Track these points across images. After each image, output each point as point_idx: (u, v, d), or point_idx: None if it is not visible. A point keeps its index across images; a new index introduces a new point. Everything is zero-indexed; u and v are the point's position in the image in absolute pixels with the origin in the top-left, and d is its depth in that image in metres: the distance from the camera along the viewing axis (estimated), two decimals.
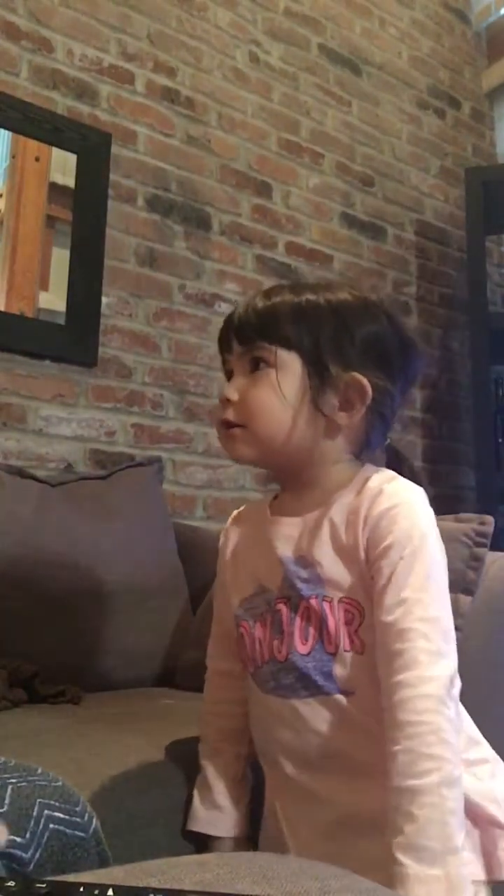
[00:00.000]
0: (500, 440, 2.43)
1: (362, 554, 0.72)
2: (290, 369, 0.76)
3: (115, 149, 1.91)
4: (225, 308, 2.08)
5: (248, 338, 0.77)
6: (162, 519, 1.60)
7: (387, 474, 0.78)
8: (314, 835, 0.74)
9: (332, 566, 0.74)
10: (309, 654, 0.74)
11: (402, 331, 0.81)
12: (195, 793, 0.84)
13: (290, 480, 0.82)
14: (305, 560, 0.76)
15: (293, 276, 2.24)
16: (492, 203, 2.47)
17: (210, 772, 0.84)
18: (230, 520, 0.91)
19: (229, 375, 0.81)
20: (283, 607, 0.76)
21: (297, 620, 0.75)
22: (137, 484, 1.59)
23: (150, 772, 0.86)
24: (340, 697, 0.72)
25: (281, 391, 0.75)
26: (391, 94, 2.64)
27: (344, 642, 0.72)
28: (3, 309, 1.69)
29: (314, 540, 0.76)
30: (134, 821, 0.79)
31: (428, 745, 0.64)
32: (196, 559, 1.59)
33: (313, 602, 0.74)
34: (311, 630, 0.74)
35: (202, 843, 0.82)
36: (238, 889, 0.35)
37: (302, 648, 0.74)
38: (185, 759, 0.90)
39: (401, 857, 0.60)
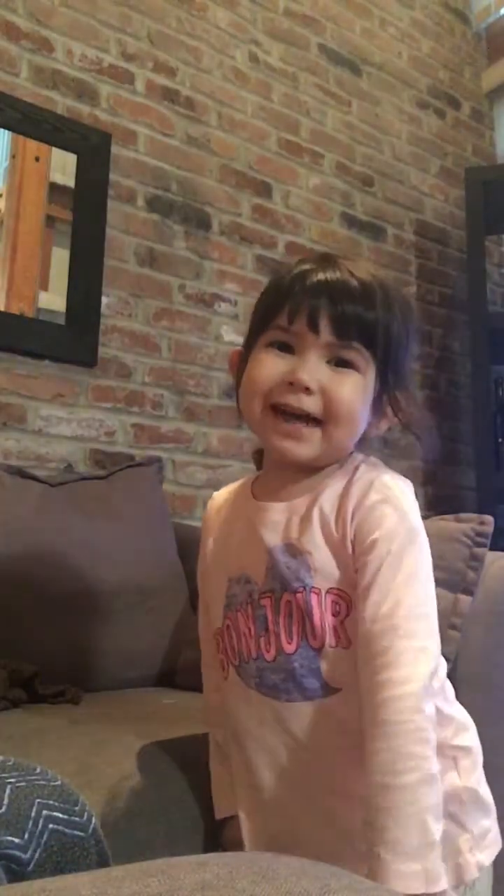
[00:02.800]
0: (500, 440, 2.43)
1: (349, 546, 0.71)
2: (371, 374, 0.74)
3: (115, 149, 1.91)
4: (225, 308, 2.08)
5: (347, 333, 0.72)
6: (162, 519, 1.60)
7: (376, 465, 0.76)
8: (274, 847, 0.73)
9: (322, 556, 0.72)
10: (295, 651, 0.72)
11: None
12: (217, 781, 0.84)
13: (294, 469, 0.77)
14: (294, 548, 0.74)
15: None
16: (492, 203, 2.47)
17: (227, 756, 0.83)
18: (211, 505, 0.89)
19: (284, 345, 0.74)
20: (267, 602, 0.74)
21: (281, 617, 0.73)
22: (137, 484, 1.59)
23: (150, 771, 0.86)
24: (326, 700, 0.71)
25: (366, 399, 0.73)
26: (391, 94, 2.64)
27: (329, 638, 0.71)
28: (3, 309, 1.69)
29: (304, 528, 0.74)
30: (134, 821, 0.79)
31: (407, 744, 0.63)
32: (196, 559, 1.59)
33: (299, 596, 0.72)
34: (295, 626, 0.72)
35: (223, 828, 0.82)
36: (238, 888, 0.35)
37: (288, 647, 0.72)
38: (185, 759, 0.90)
39: (380, 851, 0.61)
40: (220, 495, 0.88)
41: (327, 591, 0.71)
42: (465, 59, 2.96)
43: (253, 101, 2.24)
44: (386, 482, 0.73)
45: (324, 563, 0.72)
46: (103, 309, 1.84)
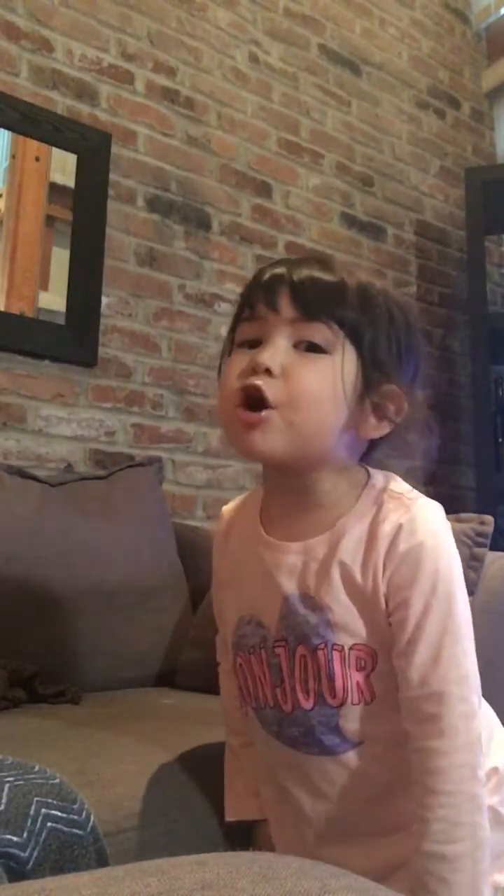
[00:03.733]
0: (500, 440, 2.43)
1: (382, 601, 0.65)
2: (350, 362, 0.66)
3: (114, 149, 1.91)
4: (225, 308, 2.08)
5: (311, 309, 0.65)
6: (162, 519, 1.60)
7: (402, 497, 0.68)
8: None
9: (344, 612, 0.67)
10: (312, 708, 0.68)
11: (420, 339, 0.73)
12: (229, 784, 0.84)
13: (286, 483, 0.71)
14: (314, 602, 0.68)
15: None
16: (492, 203, 2.47)
17: (242, 761, 0.82)
18: (219, 524, 0.82)
19: (254, 342, 0.68)
20: (281, 652, 0.70)
21: (297, 670, 0.69)
22: (137, 484, 1.59)
23: (150, 772, 0.86)
24: (347, 754, 0.69)
25: (339, 385, 0.65)
26: (391, 94, 2.64)
27: (352, 696, 0.67)
28: (3, 309, 1.68)
29: (323, 579, 0.68)
30: (134, 821, 0.79)
31: (462, 813, 0.63)
32: (196, 559, 1.59)
33: (320, 653, 0.67)
34: (311, 681, 0.68)
35: (242, 833, 0.82)
36: (238, 888, 0.35)
37: (305, 703, 0.68)
38: (185, 759, 0.90)
39: None
40: (229, 513, 0.81)
41: (351, 648, 0.67)
42: (465, 59, 2.96)
43: (253, 101, 2.24)
44: (418, 522, 0.66)
45: (346, 619, 0.67)
46: (103, 309, 1.84)
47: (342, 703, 0.67)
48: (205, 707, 1.22)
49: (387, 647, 0.67)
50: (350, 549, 0.67)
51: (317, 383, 0.65)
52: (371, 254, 2.47)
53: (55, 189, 1.80)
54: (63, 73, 1.87)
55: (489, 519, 1.17)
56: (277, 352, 0.65)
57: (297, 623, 0.69)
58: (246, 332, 0.69)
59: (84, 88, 1.90)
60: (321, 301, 0.66)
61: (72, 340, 1.77)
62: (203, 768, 0.89)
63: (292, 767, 0.72)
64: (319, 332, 0.66)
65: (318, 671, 0.67)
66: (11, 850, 0.48)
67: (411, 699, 0.65)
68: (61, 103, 1.86)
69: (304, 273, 0.67)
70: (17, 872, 0.48)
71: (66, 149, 1.82)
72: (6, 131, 1.74)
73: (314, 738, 0.69)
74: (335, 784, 0.70)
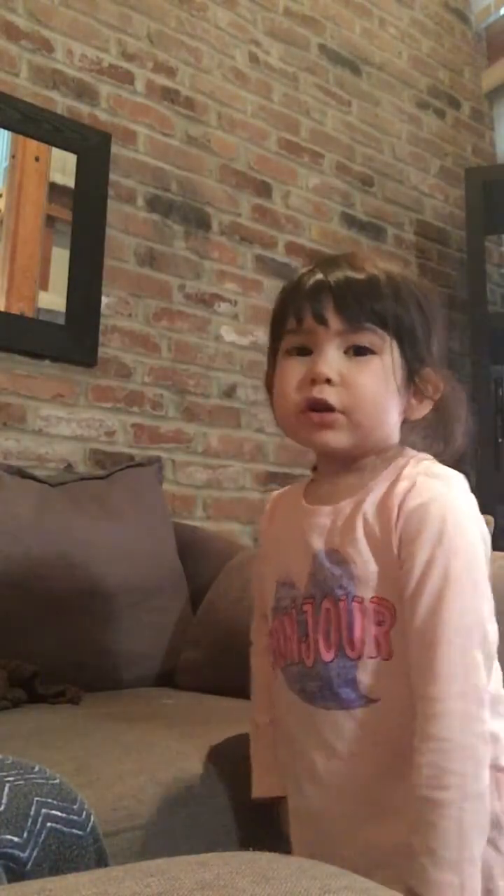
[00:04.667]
0: (500, 440, 2.43)
1: (395, 551, 0.69)
2: (396, 358, 0.72)
3: (114, 149, 1.91)
4: (225, 308, 2.08)
5: (358, 320, 0.72)
6: (162, 519, 1.60)
7: (422, 463, 0.74)
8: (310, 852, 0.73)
9: (365, 565, 0.71)
10: (332, 660, 0.71)
11: (441, 317, 0.79)
12: (256, 762, 0.84)
13: (340, 466, 0.77)
14: (338, 555, 0.73)
15: (293, 277, 2.24)
16: (492, 203, 2.47)
17: (268, 737, 0.83)
18: (266, 508, 0.88)
19: (301, 351, 0.74)
20: (308, 608, 0.74)
21: (321, 623, 0.72)
22: (137, 484, 1.59)
23: (150, 771, 0.86)
24: (363, 710, 0.70)
25: (391, 382, 0.72)
26: (391, 94, 2.64)
27: (369, 648, 0.70)
28: (3, 309, 1.68)
29: (347, 535, 0.72)
30: (134, 821, 0.79)
31: (451, 760, 0.64)
32: (196, 559, 1.59)
33: (341, 604, 0.71)
34: (333, 634, 0.71)
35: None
36: (238, 888, 0.35)
37: (326, 655, 0.72)
38: (185, 759, 0.90)
39: (421, 859, 0.62)
40: (275, 497, 0.88)
41: (370, 600, 0.70)
42: (465, 59, 2.96)
43: (253, 101, 2.24)
44: (431, 482, 0.71)
45: (366, 571, 0.71)
46: (103, 309, 1.84)
47: (360, 656, 0.70)
48: (205, 707, 1.23)
49: (403, 603, 0.69)
50: (372, 505, 0.72)
51: (373, 385, 0.72)
52: (371, 254, 2.47)
53: (55, 189, 1.80)
54: (63, 73, 1.87)
55: (489, 519, 1.17)
56: (332, 361, 0.72)
57: (324, 577, 0.73)
58: (293, 342, 0.75)
59: (84, 88, 1.90)
60: (365, 310, 0.72)
61: (72, 340, 1.77)
62: (203, 768, 0.89)
63: (308, 725, 0.74)
64: (366, 338, 0.72)
65: (339, 623, 0.71)
66: (11, 851, 0.48)
67: (414, 647, 0.67)
68: (61, 103, 1.86)
69: (343, 282, 0.72)
70: (17, 873, 0.48)
71: (66, 149, 1.82)
72: (6, 131, 1.74)
73: (331, 690, 0.71)
74: (348, 742, 0.71)
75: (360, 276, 0.73)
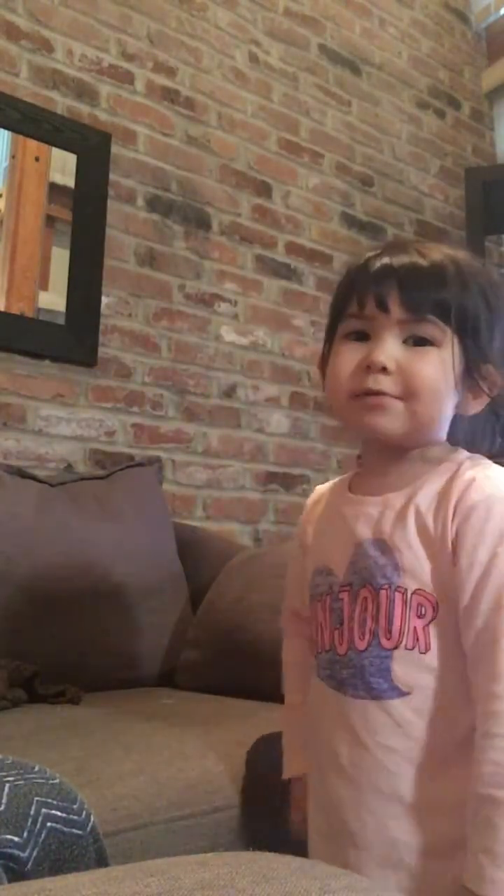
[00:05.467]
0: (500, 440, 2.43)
1: (449, 545, 0.68)
2: (456, 353, 0.71)
3: (114, 149, 1.91)
4: (225, 308, 2.08)
5: (420, 311, 0.70)
6: (162, 519, 1.60)
7: (481, 462, 0.73)
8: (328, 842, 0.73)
9: (413, 556, 0.70)
10: (366, 649, 0.70)
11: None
12: (287, 743, 0.83)
13: (387, 457, 0.76)
14: (385, 545, 0.72)
15: (293, 277, 2.24)
16: (492, 203, 2.47)
17: (300, 717, 0.82)
18: (310, 499, 0.87)
19: (360, 334, 0.73)
20: (345, 596, 0.73)
21: (357, 611, 0.71)
22: (137, 484, 1.59)
23: (150, 771, 0.86)
24: (394, 702, 0.69)
25: (451, 374, 0.70)
26: (391, 94, 2.64)
27: (407, 639, 0.69)
28: (3, 309, 1.69)
29: (398, 524, 0.71)
30: (134, 821, 0.79)
31: None
32: (196, 559, 1.59)
33: (382, 593, 0.70)
34: (369, 622, 0.70)
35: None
36: (238, 888, 0.35)
37: (360, 644, 0.71)
38: (185, 759, 0.90)
39: (479, 856, 0.62)
40: (320, 489, 0.86)
41: (414, 592, 0.69)
42: (465, 59, 2.96)
43: (253, 101, 2.24)
44: (491, 479, 0.70)
45: (414, 563, 0.70)
46: (103, 309, 1.84)
47: (396, 646, 0.69)
48: (205, 707, 1.23)
49: (449, 598, 0.68)
50: (426, 498, 0.71)
51: (433, 376, 0.70)
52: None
53: (55, 189, 1.80)
54: (63, 73, 1.87)
55: None
56: (391, 349, 0.70)
57: (366, 566, 0.72)
58: (353, 326, 0.74)
59: (84, 88, 1.90)
60: (428, 301, 0.70)
61: (72, 340, 1.77)
62: (203, 768, 0.89)
63: (336, 714, 0.73)
64: (427, 329, 0.70)
65: (378, 612, 0.70)
66: (11, 851, 0.48)
67: (475, 644, 0.67)
68: (61, 103, 1.86)
69: (415, 282, 0.71)
70: (17, 872, 0.48)
71: (66, 149, 1.82)
72: (6, 131, 1.74)
73: (363, 680, 0.70)
74: (376, 734, 0.70)
75: (426, 262, 0.71)
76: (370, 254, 0.74)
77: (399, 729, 0.69)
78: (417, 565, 0.70)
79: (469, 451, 0.76)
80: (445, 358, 0.70)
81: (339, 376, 0.73)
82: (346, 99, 2.50)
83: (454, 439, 0.76)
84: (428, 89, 2.78)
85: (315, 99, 2.41)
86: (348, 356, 0.73)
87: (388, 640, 0.69)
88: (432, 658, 0.68)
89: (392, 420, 0.70)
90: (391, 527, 0.72)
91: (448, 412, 0.73)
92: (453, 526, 0.69)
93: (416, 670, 0.69)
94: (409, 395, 0.70)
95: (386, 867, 0.69)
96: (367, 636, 0.70)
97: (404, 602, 0.69)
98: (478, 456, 0.75)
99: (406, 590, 0.69)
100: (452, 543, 0.68)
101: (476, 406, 0.75)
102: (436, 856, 0.67)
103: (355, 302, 0.73)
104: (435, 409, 0.71)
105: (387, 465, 0.76)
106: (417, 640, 0.69)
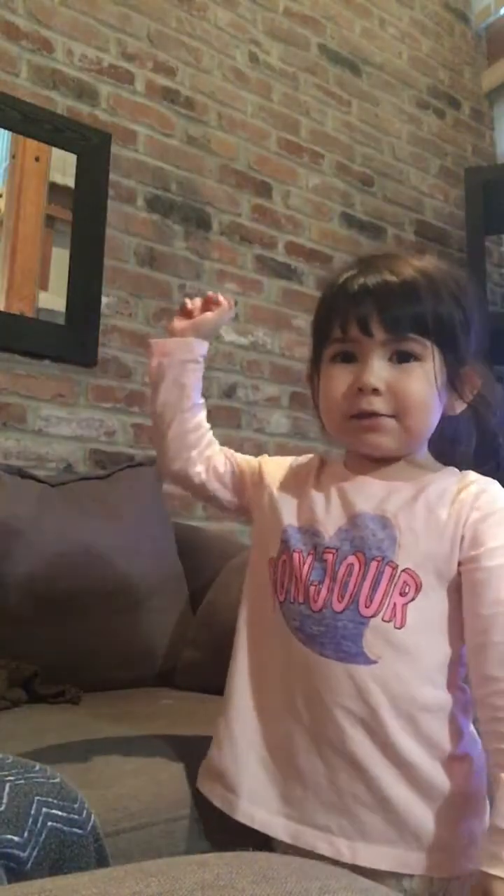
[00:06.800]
0: (500, 440, 2.42)
1: (457, 541, 0.73)
2: (438, 362, 0.76)
3: (114, 149, 1.91)
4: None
5: (401, 331, 0.75)
6: (162, 519, 1.60)
7: (477, 476, 0.79)
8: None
9: (413, 537, 0.74)
10: (342, 611, 0.74)
11: (477, 309, 0.82)
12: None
13: (376, 462, 0.81)
14: (386, 521, 0.76)
15: (293, 277, 2.24)
16: (492, 203, 2.47)
17: None
18: (275, 459, 0.91)
19: (347, 355, 0.78)
20: (329, 557, 0.76)
21: (340, 573, 0.75)
22: (137, 484, 1.59)
23: (150, 772, 0.86)
24: (358, 667, 0.72)
25: (435, 386, 0.75)
26: (391, 94, 2.64)
27: (385, 611, 0.73)
28: (3, 309, 1.68)
29: (405, 507, 0.76)
30: (134, 821, 0.79)
31: None
32: (196, 559, 1.59)
33: (373, 564, 0.74)
34: (351, 586, 0.74)
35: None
36: (238, 888, 0.35)
37: (337, 605, 0.74)
38: (185, 759, 0.90)
39: (496, 822, 0.66)
40: (312, 456, 0.90)
41: (403, 570, 0.73)
42: (465, 59, 2.96)
43: (253, 101, 2.24)
44: (500, 493, 0.77)
45: (411, 544, 0.74)
46: (103, 309, 1.84)
47: (374, 615, 0.73)
48: (205, 707, 1.22)
49: (435, 582, 0.73)
50: (436, 493, 0.76)
51: (419, 390, 0.75)
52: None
53: (55, 189, 1.80)
54: (63, 73, 1.87)
55: None
56: (379, 370, 0.75)
57: (361, 535, 0.76)
58: (338, 349, 0.78)
59: (84, 88, 1.90)
60: (407, 319, 0.75)
61: (72, 340, 1.77)
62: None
63: (299, 665, 0.76)
64: (409, 346, 0.75)
65: (363, 580, 0.74)
66: (11, 851, 0.48)
67: (479, 631, 0.72)
68: (61, 103, 1.86)
69: (393, 304, 0.75)
70: (17, 872, 0.48)
71: (66, 149, 1.82)
72: (6, 131, 1.74)
73: (334, 640, 0.74)
74: (335, 693, 0.73)
75: (398, 280, 0.75)
76: (345, 275, 0.79)
77: (358, 694, 0.72)
78: (415, 546, 0.74)
79: (453, 447, 0.83)
80: (429, 370, 0.75)
81: (332, 399, 0.78)
82: (346, 99, 2.50)
83: (441, 437, 0.81)
84: (428, 89, 2.78)
85: (315, 99, 2.41)
86: (339, 379, 0.77)
87: (367, 608, 0.73)
88: (406, 635, 0.72)
89: (388, 438, 0.76)
90: (397, 507, 0.76)
91: (437, 418, 0.78)
92: (469, 525, 0.74)
93: (386, 643, 0.72)
94: (400, 412, 0.75)
95: (331, 811, 0.73)
96: (346, 600, 0.74)
97: (391, 577, 0.73)
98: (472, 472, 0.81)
99: (397, 566, 0.73)
100: (461, 540, 0.73)
101: (460, 406, 0.80)
102: (383, 811, 0.71)
103: (338, 327, 0.77)
104: (426, 422, 0.77)
105: (376, 467, 0.80)
106: (395, 615, 0.73)
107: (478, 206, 2.48)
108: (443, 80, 2.84)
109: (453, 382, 0.78)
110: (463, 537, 0.73)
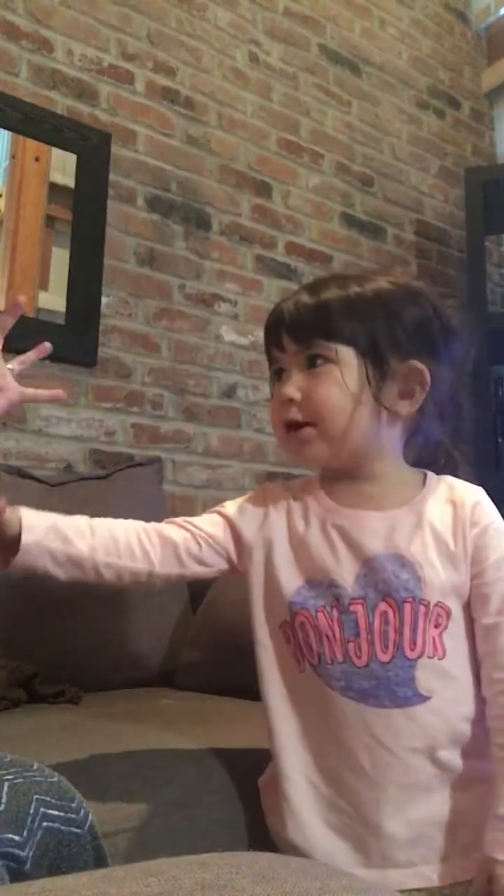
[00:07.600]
0: (500, 440, 2.43)
1: (467, 562, 0.76)
2: (349, 364, 0.77)
3: (115, 149, 1.91)
4: (225, 308, 2.08)
5: (304, 336, 0.78)
6: (162, 519, 1.60)
7: (461, 484, 0.82)
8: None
9: (434, 569, 0.76)
10: (390, 661, 0.74)
11: (445, 315, 0.83)
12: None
13: (351, 474, 0.81)
14: (404, 560, 0.76)
15: (293, 277, 2.24)
16: (492, 203, 2.47)
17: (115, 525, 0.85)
18: (265, 494, 0.86)
19: (279, 374, 0.81)
20: (358, 609, 0.75)
21: (377, 623, 0.75)
22: (137, 484, 1.59)
23: (150, 772, 0.86)
24: (417, 708, 0.74)
25: (347, 387, 0.76)
26: (391, 94, 2.64)
27: (428, 648, 0.74)
28: (3, 309, 1.68)
29: (415, 541, 0.77)
30: (133, 821, 0.79)
31: None
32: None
33: (406, 606, 0.74)
34: (392, 634, 0.74)
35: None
36: (238, 888, 0.35)
37: (383, 656, 0.74)
38: (185, 760, 0.90)
39: (499, 810, 0.71)
40: (275, 489, 0.87)
41: (435, 604, 0.75)
42: (465, 59, 2.96)
43: (253, 101, 2.24)
44: (488, 505, 0.80)
45: (436, 577, 0.75)
46: (103, 309, 1.84)
47: (420, 656, 0.74)
48: (204, 707, 1.23)
49: (458, 604, 0.76)
50: (436, 517, 0.78)
51: (328, 393, 0.76)
52: (371, 254, 2.47)
53: (55, 189, 1.80)
54: (63, 73, 1.87)
55: None
56: (294, 381, 0.78)
57: (383, 580, 0.76)
58: (274, 368, 0.83)
59: (84, 88, 1.90)
60: (309, 328, 0.78)
61: (72, 340, 1.77)
62: (203, 768, 0.89)
63: (355, 723, 0.75)
64: (317, 351, 0.78)
65: (402, 624, 0.74)
66: (12, 850, 0.48)
67: (489, 639, 0.75)
68: (61, 103, 1.86)
69: (290, 308, 0.80)
70: (17, 872, 0.48)
71: (66, 149, 1.82)
72: (6, 131, 1.74)
73: (388, 690, 0.74)
74: (400, 738, 0.74)
75: (311, 301, 0.78)
76: (278, 301, 0.84)
77: (422, 731, 0.74)
78: (437, 579, 0.75)
79: (431, 447, 0.84)
80: (338, 375, 0.76)
81: (272, 412, 0.82)
82: (346, 99, 2.50)
83: (423, 439, 0.83)
84: (428, 89, 2.78)
85: (315, 99, 2.41)
86: (274, 395, 0.82)
87: (413, 650, 0.74)
88: (448, 663, 0.75)
89: (314, 448, 0.78)
90: (407, 541, 0.77)
91: (365, 422, 0.77)
92: (470, 545, 0.77)
93: (435, 676, 0.74)
94: (316, 418, 0.77)
95: (407, 846, 0.74)
96: (391, 648, 0.74)
97: (426, 614, 0.75)
98: (448, 477, 0.83)
99: (429, 602, 0.75)
100: (471, 561, 0.77)
101: (409, 405, 0.79)
102: (448, 825, 0.74)
103: (270, 349, 0.83)
104: (342, 425, 0.77)
105: (353, 482, 0.81)
106: (436, 648, 0.75)
107: (478, 206, 2.48)
108: (443, 80, 2.84)
109: (389, 378, 0.77)
110: (468, 556, 0.76)
